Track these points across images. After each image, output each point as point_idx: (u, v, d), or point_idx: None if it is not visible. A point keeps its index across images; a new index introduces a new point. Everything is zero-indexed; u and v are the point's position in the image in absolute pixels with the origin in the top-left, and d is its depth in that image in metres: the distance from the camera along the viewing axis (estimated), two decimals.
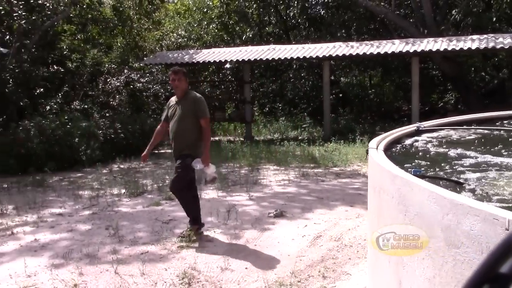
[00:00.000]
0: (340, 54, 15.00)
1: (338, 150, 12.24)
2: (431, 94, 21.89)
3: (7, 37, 17.89)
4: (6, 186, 9.52)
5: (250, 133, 16.45)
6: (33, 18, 15.52)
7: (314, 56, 15.21)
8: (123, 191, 8.58)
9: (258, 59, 15.69)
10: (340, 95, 21.82)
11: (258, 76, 23.09)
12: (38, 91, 15.19)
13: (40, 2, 17.19)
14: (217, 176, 6.15)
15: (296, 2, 22.95)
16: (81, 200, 8.09)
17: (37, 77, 14.47)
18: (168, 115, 5.83)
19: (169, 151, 14.19)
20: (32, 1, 16.56)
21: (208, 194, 8.27)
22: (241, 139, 15.80)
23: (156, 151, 13.99)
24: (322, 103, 16.40)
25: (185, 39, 23.76)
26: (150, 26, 24.99)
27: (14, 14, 14.85)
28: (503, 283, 0.81)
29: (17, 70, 14.09)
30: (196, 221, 5.77)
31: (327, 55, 15.03)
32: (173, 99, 5.86)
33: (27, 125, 11.69)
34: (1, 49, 10.99)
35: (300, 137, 15.95)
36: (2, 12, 16.78)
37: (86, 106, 16.18)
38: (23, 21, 14.69)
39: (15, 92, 13.84)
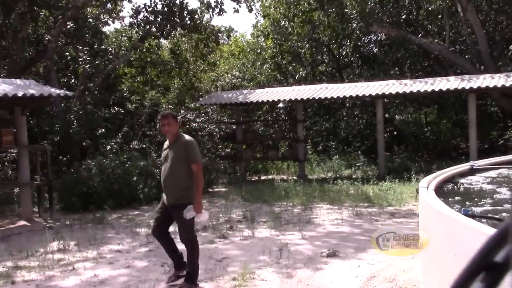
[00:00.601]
0: (394, 92, 14.93)
1: (393, 189, 12.05)
2: (491, 131, 21.24)
3: (72, 80, 19.00)
4: (68, 223, 9.94)
5: (303, 172, 16.46)
6: (97, 62, 16.43)
7: (367, 94, 15.20)
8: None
9: (311, 98, 15.84)
10: (395, 132, 21.55)
11: (311, 115, 23.21)
12: (99, 132, 15.92)
13: (103, 47, 18.22)
14: (209, 224, 5.86)
15: (348, 41, 23.14)
16: (138, 237, 8.34)
17: (99, 118, 15.21)
18: (162, 160, 5.64)
19: (223, 189, 14.46)
20: (96, 46, 17.58)
21: (260, 232, 8.32)
22: (294, 177, 15.83)
23: (210, 190, 14.22)
24: (376, 141, 16.26)
25: (239, 80, 24.33)
26: (206, 68, 25.82)
27: (79, 59, 15.81)
28: (498, 271, 0.83)
29: (81, 112, 14.86)
30: (191, 278, 5.47)
31: (380, 93, 14.98)
32: (167, 143, 5.61)
33: (89, 164, 12.25)
34: (67, 92, 11.65)
35: (354, 176, 15.81)
36: (69, 58, 17.88)
37: (144, 146, 16.77)
38: (87, 66, 15.59)
39: (78, 133, 14.57)
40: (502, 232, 0.84)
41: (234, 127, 17.98)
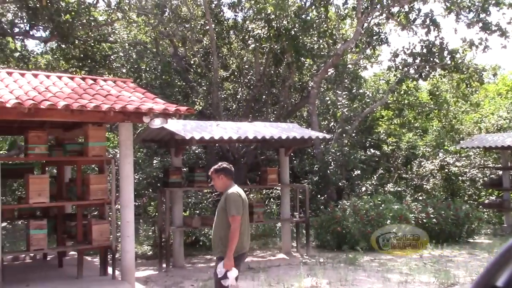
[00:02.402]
0: None
1: None
2: None
3: (332, 123, 19.96)
4: (322, 261, 10.26)
5: None
6: (355, 106, 16.95)
7: None
8: (432, 279, 8.25)
9: None
10: None
11: None
12: (355, 173, 16.25)
13: (361, 91, 18.75)
14: (238, 285, 5.23)
15: None
16: (389, 284, 8.09)
17: (355, 160, 15.54)
18: None
19: (487, 241, 13.15)
20: (354, 90, 18.18)
21: None
22: None
23: (471, 240, 13.07)
24: None
25: (507, 121, 22.12)
26: (468, 109, 24.23)
27: (339, 103, 16.54)
28: None
29: (338, 154, 15.44)
30: None
31: None
32: None
33: (344, 204, 12.54)
34: (325, 134, 12.30)
35: None
36: (329, 102, 18.90)
37: (399, 189, 16.47)
38: (346, 109, 16.21)
39: (335, 173, 15.14)
40: (504, 256, 0.88)
41: (500, 172, 16.30)
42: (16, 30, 15.73)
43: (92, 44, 17.23)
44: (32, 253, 8.38)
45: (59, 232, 8.84)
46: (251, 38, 16.05)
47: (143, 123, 7.91)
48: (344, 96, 16.50)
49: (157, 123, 7.60)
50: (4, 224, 12.60)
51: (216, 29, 17.46)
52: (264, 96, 18.48)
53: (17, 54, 16.22)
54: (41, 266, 9.40)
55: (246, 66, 19.64)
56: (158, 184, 13.46)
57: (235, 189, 5.40)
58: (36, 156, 7.91)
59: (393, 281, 8.22)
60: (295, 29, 15.05)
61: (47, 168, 10.54)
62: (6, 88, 7.17)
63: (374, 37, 18.15)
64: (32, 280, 7.79)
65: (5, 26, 14.48)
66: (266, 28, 15.32)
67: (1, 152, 17.73)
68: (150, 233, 13.06)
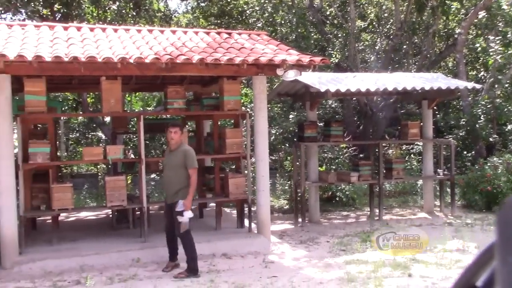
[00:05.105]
0: None
1: None
2: None
3: (481, 73, 18.18)
4: (469, 222, 9.47)
5: None
6: (509, 52, 15.13)
7: None
8: None
9: None
10: None
11: None
12: (508, 127, 14.70)
13: None
14: (187, 225, 6.15)
15: None
16: None
17: (508, 113, 14.01)
18: (163, 164, 6.98)
19: None
20: (509, 35, 16.23)
21: None
22: None
23: None
24: None
25: None
26: None
27: (490, 50, 14.90)
28: None
29: (488, 106, 14.03)
30: (191, 269, 6.16)
31: None
32: (168, 150, 6.60)
33: (496, 161, 11.39)
34: (475, 85, 11.10)
35: None
36: (479, 49, 17.15)
37: None
38: (499, 56, 14.54)
39: (485, 128, 13.80)
40: (484, 255, 0.86)
41: None
42: None
43: (229, 0, 17.42)
44: None
45: (199, 184, 9.17)
46: None
47: (277, 76, 7.73)
48: (497, 42, 14.78)
49: (290, 75, 7.37)
50: (153, 175, 13.50)
51: None
52: (404, 46, 17.31)
53: (160, 14, 16.96)
54: None
55: (386, 15, 18.51)
56: (294, 139, 13.38)
57: (188, 146, 6.60)
58: (174, 111, 8.16)
59: None
60: None
61: (187, 123, 10.95)
62: (146, 44, 7.40)
63: None
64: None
65: None
66: None
67: (149, 108, 18.95)
68: (286, 188, 13.10)
